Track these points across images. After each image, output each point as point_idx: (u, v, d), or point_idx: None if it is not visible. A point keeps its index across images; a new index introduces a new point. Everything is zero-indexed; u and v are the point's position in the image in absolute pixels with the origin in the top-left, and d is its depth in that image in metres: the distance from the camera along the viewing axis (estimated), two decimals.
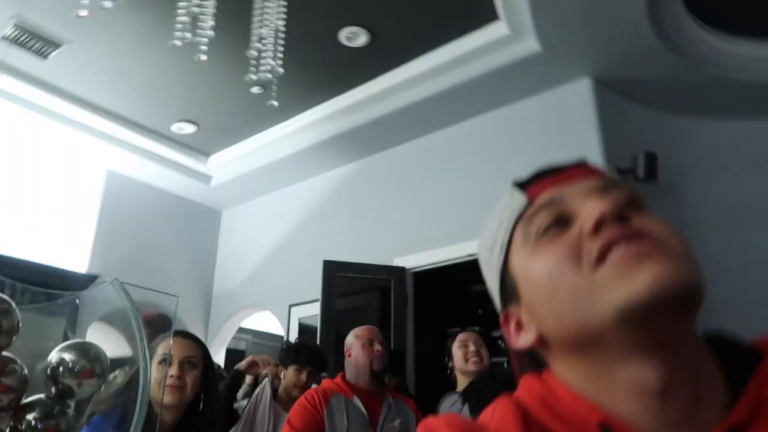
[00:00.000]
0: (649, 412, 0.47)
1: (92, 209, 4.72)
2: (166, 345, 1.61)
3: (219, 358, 5.29)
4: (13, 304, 0.77)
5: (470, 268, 4.08)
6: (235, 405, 2.80)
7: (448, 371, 2.75)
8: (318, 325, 4.00)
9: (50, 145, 4.49)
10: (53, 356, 0.84)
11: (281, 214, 5.17)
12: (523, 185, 0.58)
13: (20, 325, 0.77)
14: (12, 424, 0.77)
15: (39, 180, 4.78)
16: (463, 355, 2.60)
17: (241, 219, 5.56)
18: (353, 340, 2.46)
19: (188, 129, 4.59)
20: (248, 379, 2.98)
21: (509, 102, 3.89)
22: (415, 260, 4.10)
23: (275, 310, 4.91)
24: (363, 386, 2.36)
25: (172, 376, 1.52)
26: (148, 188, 5.13)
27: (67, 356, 0.84)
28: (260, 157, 4.81)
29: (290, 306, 4.71)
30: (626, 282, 0.45)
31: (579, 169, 0.57)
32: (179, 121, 4.49)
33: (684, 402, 0.47)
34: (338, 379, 2.42)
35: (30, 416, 0.78)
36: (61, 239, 4.52)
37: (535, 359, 0.56)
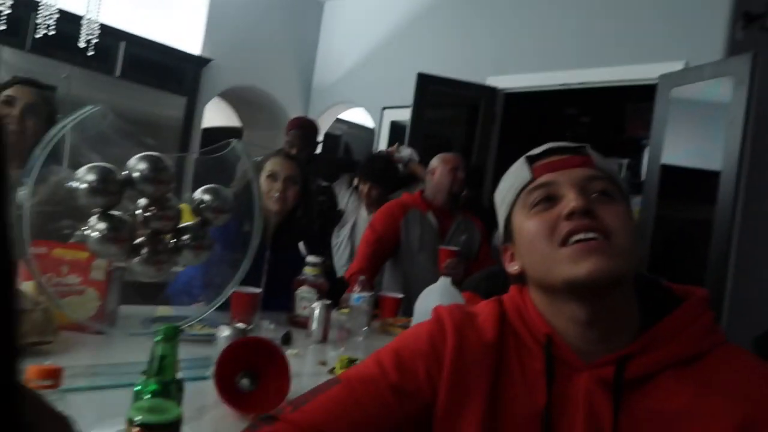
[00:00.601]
0: (578, 334, 0.72)
1: None
2: (273, 162, 1.96)
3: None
4: (169, 161, 1.06)
5: (564, 94, 4.09)
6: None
7: None
8: (407, 130, 4.27)
9: None
10: (197, 195, 1.16)
11: (381, 16, 5.13)
12: (532, 160, 0.78)
13: (174, 175, 1.07)
14: (173, 242, 1.11)
15: None
16: None
17: (341, 15, 5.58)
18: (439, 164, 2.69)
19: None
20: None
21: None
22: (507, 81, 4.13)
23: (369, 109, 5.19)
24: (438, 204, 2.67)
25: (278, 190, 1.89)
26: None
27: (207, 197, 1.15)
28: None
29: (383, 108, 4.96)
30: (575, 266, 0.68)
31: (576, 158, 0.76)
32: None
33: (602, 332, 0.72)
34: (417, 195, 2.73)
35: (185, 236, 1.13)
36: (178, 22, 4.81)
37: (521, 278, 0.80)
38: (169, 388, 0.67)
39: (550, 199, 0.73)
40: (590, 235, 0.68)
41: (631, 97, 4.41)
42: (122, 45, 4.28)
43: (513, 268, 0.80)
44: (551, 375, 0.71)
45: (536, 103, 4.51)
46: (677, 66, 3.21)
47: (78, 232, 1.42)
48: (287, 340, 1.63)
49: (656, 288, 0.77)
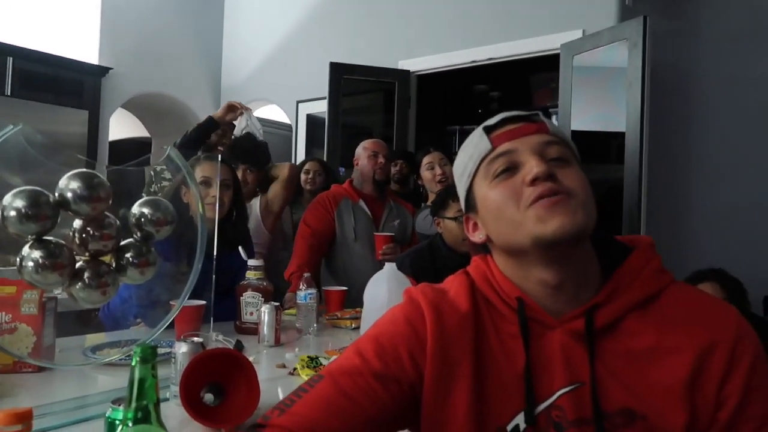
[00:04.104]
0: (547, 296, 0.76)
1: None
2: (204, 168, 1.88)
3: None
4: (104, 177, 1.00)
5: (473, 72, 4.20)
6: None
7: (420, 188, 3.02)
8: (326, 122, 4.25)
9: None
10: (135, 210, 1.10)
11: (286, 6, 5.04)
12: (489, 130, 0.80)
13: (111, 190, 1.01)
14: (115, 261, 1.06)
15: None
16: (431, 177, 2.81)
17: (244, 8, 5.43)
18: (361, 152, 2.71)
19: None
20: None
21: None
22: (419, 63, 4.19)
23: (283, 105, 5.10)
24: (367, 192, 2.69)
25: (213, 196, 1.82)
26: None
27: (146, 210, 1.10)
28: None
29: (297, 102, 4.89)
30: (542, 224, 0.71)
31: (531, 125, 0.78)
32: None
33: (570, 290, 0.75)
34: (346, 184, 2.73)
35: (127, 254, 1.07)
36: (69, 31, 4.50)
37: (483, 247, 0.83)
38: (150, 413, 0.64)
39: (511, 167, 0.76)
40: (554, 196, 0.71)
41: (536, 69, 4.59)
42: (9, 61, 3.97)
43: (478, 236, 0.82)
44: (527, 336, 0.74)
45: (448, 83, 4.61)
46: (576, 35, 3.39)
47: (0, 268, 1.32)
48: (239, 348, 1.59)
49: (608, 242, 0.81)
